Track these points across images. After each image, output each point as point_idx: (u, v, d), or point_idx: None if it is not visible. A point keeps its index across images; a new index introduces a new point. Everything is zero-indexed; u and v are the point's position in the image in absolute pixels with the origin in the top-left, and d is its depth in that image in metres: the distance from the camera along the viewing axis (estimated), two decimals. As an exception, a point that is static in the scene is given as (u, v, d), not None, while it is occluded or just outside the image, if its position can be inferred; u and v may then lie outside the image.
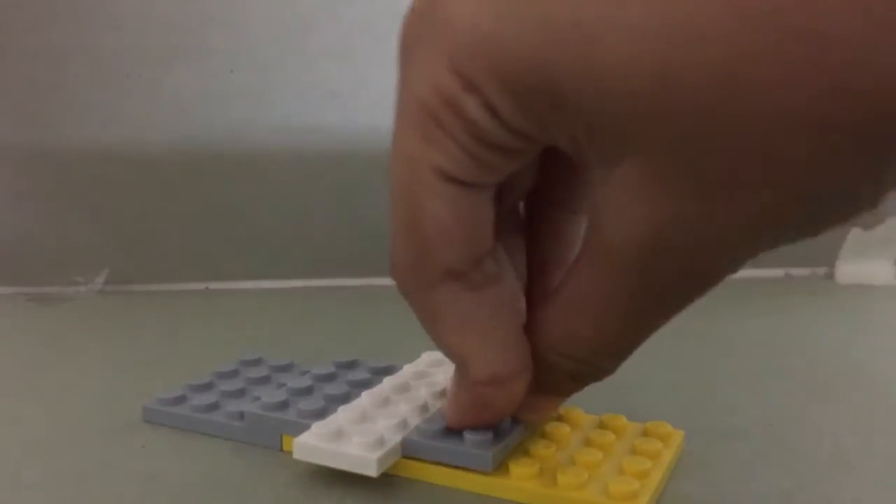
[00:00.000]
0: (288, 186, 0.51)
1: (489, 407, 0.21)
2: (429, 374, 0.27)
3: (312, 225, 0.51)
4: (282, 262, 0.51)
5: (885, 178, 0.14)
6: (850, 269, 0.53)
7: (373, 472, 0.21)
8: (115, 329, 0.41)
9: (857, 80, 0.13)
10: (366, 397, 0.25)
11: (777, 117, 0.14)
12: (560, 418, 0.25)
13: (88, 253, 0.49)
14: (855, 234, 0.54)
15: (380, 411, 0.24)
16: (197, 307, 0.46)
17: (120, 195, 0.50)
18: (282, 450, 0.25)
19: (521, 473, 0.22)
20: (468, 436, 0.22)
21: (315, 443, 0.22)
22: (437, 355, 0.28)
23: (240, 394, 0.28)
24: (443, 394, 0.25)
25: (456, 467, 0.22)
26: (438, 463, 0.22)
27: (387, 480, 0.22)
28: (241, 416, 0.25)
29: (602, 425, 0.25)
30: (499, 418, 0.22)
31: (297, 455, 0.22)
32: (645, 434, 0.25)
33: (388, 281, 0.20)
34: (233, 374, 0.29)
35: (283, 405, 0.25)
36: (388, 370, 0.28)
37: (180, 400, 0.27)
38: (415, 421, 0.23)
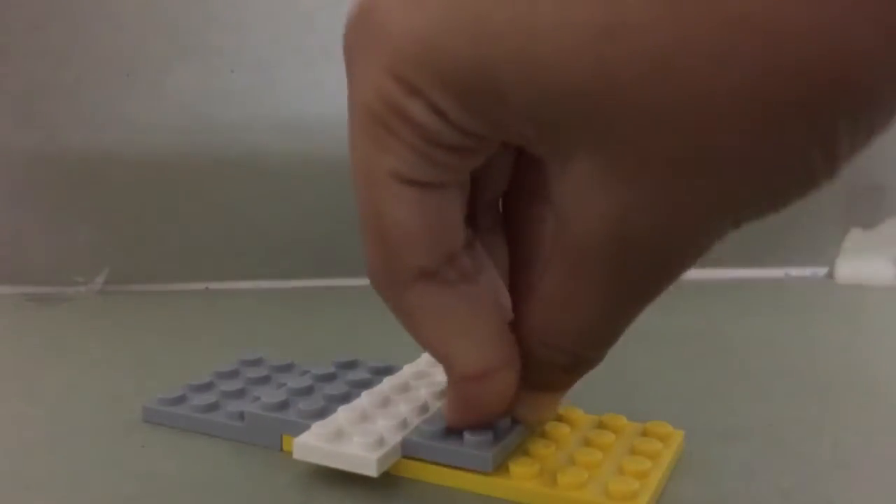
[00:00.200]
0: (288, 186, 0.51)
1: (478, 403, 0.21)
2: (429, 374, 0.27)
3: (312, 225, 0.51)
4: (282, 262, 0.51)
5: (836, 148, 0.15)
6: (850, 269, 0.53)
7: (373, 472, 0.21)
8: (115, 329, 0.41)
9: (786, 56, 0.13)
10: (366, 397, 0.25)
11: (712, 100, 0.14)
12: (560, 418, 0.25)
13: (88, 253, 0.49)
14: (855, 234, 0.54)
15: (380, 411, 0.24)
16: (197, 307, 0.46)
17: (120, 195, 0.50)
18: (282, 450, 0.25)
19: (521, 473, 0.22)
20: (468, 436, 0.22)
21: (315, 443, 0.22)
22: (437, 355, 0.27)
23: (240, 394, 0.28)
24: (443, 394, 0.25)
25: (456, 467, 0.22)
26: (438, 463, 0.22)
27: (387, 480, 0.22)
28: (241, 416, 0.25)
29: (602, 425, 0.25)
30: (491, 414, 0.22)
31: (297, 455, 0.22)
32: (645, 434, 0.25)
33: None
34: (233, 374, 0.29)
35: (283, 405, 0.25)
36: (388, 370, 0.28)
37: (180, 400, 0.27)
38: (415, 421, 0.23)
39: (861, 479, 0.24)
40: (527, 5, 0.15)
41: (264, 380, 0.29)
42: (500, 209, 0.23)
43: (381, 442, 0.22)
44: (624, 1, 0.14)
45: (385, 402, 0.25)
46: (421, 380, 0.26)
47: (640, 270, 0.17)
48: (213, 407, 0.26)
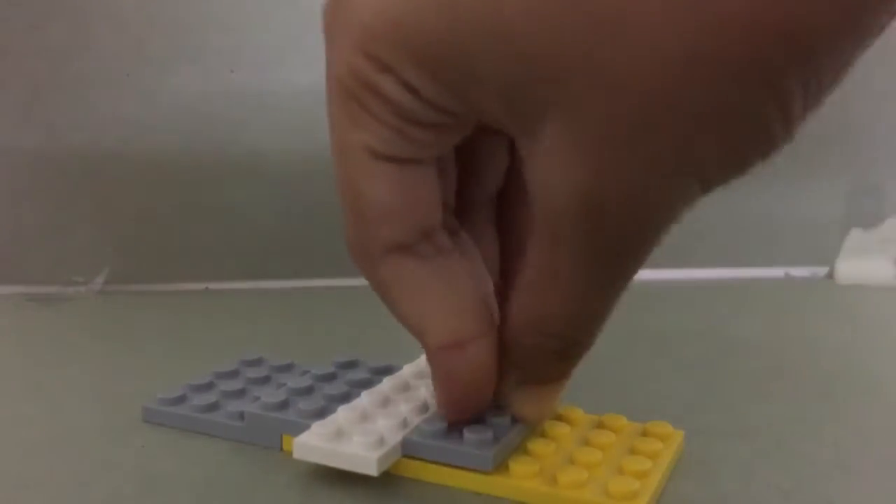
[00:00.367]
0: (288, 186, 0.51)
1: (455, 377, 0.21)
2: (429, 374, 0.27)
3: (312, 225, 0.51)
4: (282, 262, 0.51)
5: (790, 105, 0.15)
6: (850, 269, 0.53)
7: (373, 471, 0.21)
8: (115, 329, 0.41)
9: (733, 11, 0.14)
10: (366, 397, 0.25)
11: (666, 57, 0.14)
12: (560, 418, 0.25)
13: (88, 253, 0.49)
14: (855, 234, 0.54)
15: (380, 411, 0.24)
16: (197, 307, 0.46)
17: (120, 195, 0.50)
18: (282, 450, 0.25)
19: (522, 472, 0.22)
20: (468, 435, 0.22)
21: (315, 442, 0.22)
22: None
23: (240, 394, 0.28)
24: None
25: (456, 466, 0.22)
26: (438, 462, 0.22)
27: (387, 480, 0.22)
28: (242, 415, 0.25)
29: (602, 425, 0.25)
30: (474, 391, 0.22)
31: (297, 455, 0.22)
32: (645, 434, 0.25)
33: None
34: (233, 374, 0.29)
35: (283, 405, 0.25)
36: (388, 370, 0.28)
37: (180, 400, 0.27)
38: (415, 420, 0.23)
39: (861, 479, 0.24)
40: None
41: (264, 380, 0.29)
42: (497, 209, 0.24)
43: (381, 441, 0.22)
44: None
45: (385, 402, 0.25)
46: (421, 379, 0.26)
47: (616, 239, 0.17)
48: (213, 407, 0.26)
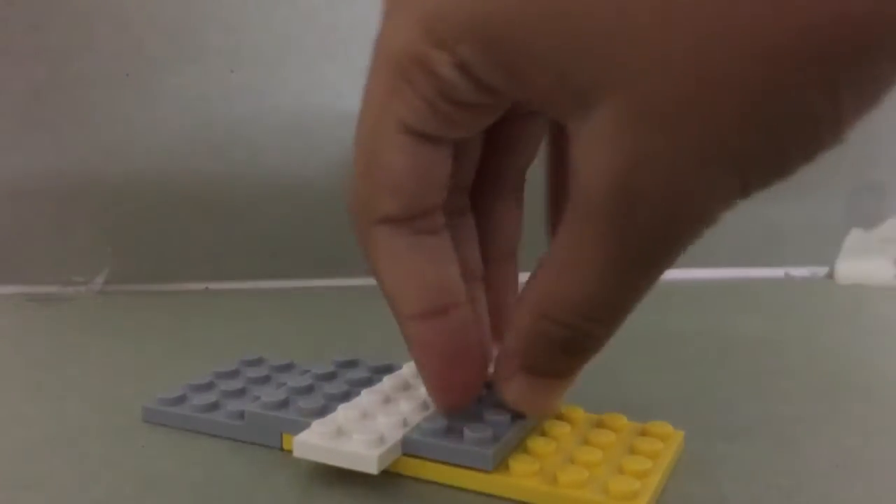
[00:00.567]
0: (288, 186, 0.51)
1: (428, 348, 0.22)
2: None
3: (312, 225, 0.51)
4: (282, 262, 0.51)
5: (842, 101, 0.15)
6: (850, 269, 0.53)
7: (373, 469, 0.21)
8: (115, 329, 0.41)
9: (793, 5, 0.14)
10: (366, 395, 0.25)
11: (722, 42, 0.14)
12: (560, 417, 0.25)
13: (88, 253, 0.49)
14: (855, 234, 0.54)
15: (380, 409, 0.24)
16: (197, 307, 0.46)
17: (120, 196, 0.50)
18: (282, 448, 0.25)
19: (522, 471, 0.22)
20: (468, 433, 0.22)
21: (315, 441, 0.22)
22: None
23: (240, 393, 0.28)
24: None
25: (456, 465, 0.22)
26: (439, 461, 0.22)
27: (387, 478, 0.22)
28: (242, 415, 0.25)
29: (602, 424, 0.25)
30: (445, 362, 0.22)
31: (297, 453, 0.22)
32: (645, 434, 0.25)
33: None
34: (233, 374, 0.29)
35: (284, 404, 0.25)
36: (389, 369, 0.28)
37: (180, 400, 0.27)
38: (415, 419, 0.23)
39: (861, 479, 0.24)
40: None
41: (264, 379, 0.29)
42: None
43: (381, 439, 0.22)
44: None
45: (385, 401, 0.25)
46: (421, 378, 0.26)
47: (647, 228, 0.17)
48: (213, 406, 0.26)
